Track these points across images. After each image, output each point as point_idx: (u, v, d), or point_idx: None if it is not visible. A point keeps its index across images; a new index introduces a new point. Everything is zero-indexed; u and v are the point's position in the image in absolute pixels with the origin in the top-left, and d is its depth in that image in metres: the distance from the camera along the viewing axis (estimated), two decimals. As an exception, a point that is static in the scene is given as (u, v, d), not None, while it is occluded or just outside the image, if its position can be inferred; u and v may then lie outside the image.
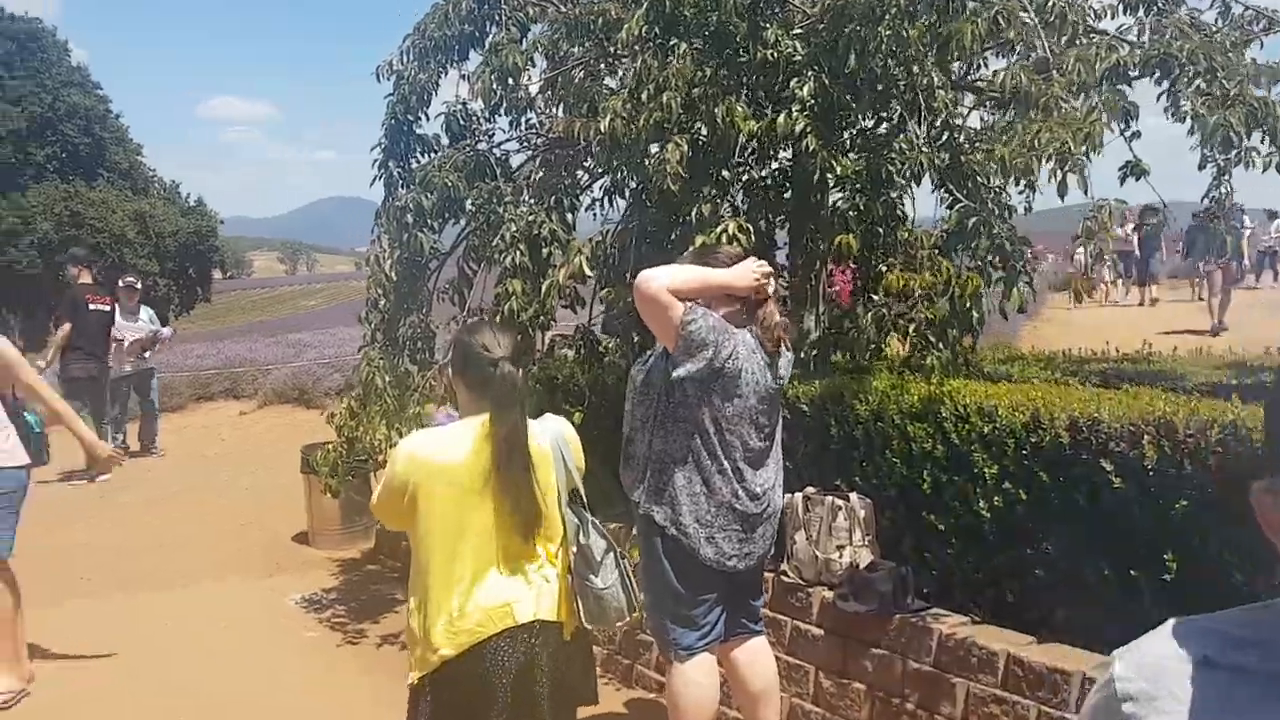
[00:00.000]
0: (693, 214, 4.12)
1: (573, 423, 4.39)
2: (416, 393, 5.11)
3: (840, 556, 3.76)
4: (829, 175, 4.31)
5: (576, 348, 5.99)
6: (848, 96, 4.27)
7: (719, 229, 4.00)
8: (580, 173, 5.48)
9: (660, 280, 2.79)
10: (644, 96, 4.03)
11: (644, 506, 2.97)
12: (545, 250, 4.79)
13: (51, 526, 6.62)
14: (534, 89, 5.29)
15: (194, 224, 38.20)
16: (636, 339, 4.59)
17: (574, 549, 2.49)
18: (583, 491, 2.58)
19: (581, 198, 5.33)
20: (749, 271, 2.98)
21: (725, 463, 2.92)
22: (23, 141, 33.39)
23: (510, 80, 4.84)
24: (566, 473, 2.52)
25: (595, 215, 5.52)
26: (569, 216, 5.09)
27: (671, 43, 4.15)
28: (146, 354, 9.72)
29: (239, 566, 6.30)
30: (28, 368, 4.35)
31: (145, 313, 9.76)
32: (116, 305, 9.05)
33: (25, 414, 4.35)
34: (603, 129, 4.09)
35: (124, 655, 4.77)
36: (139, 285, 9.91)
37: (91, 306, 8.70)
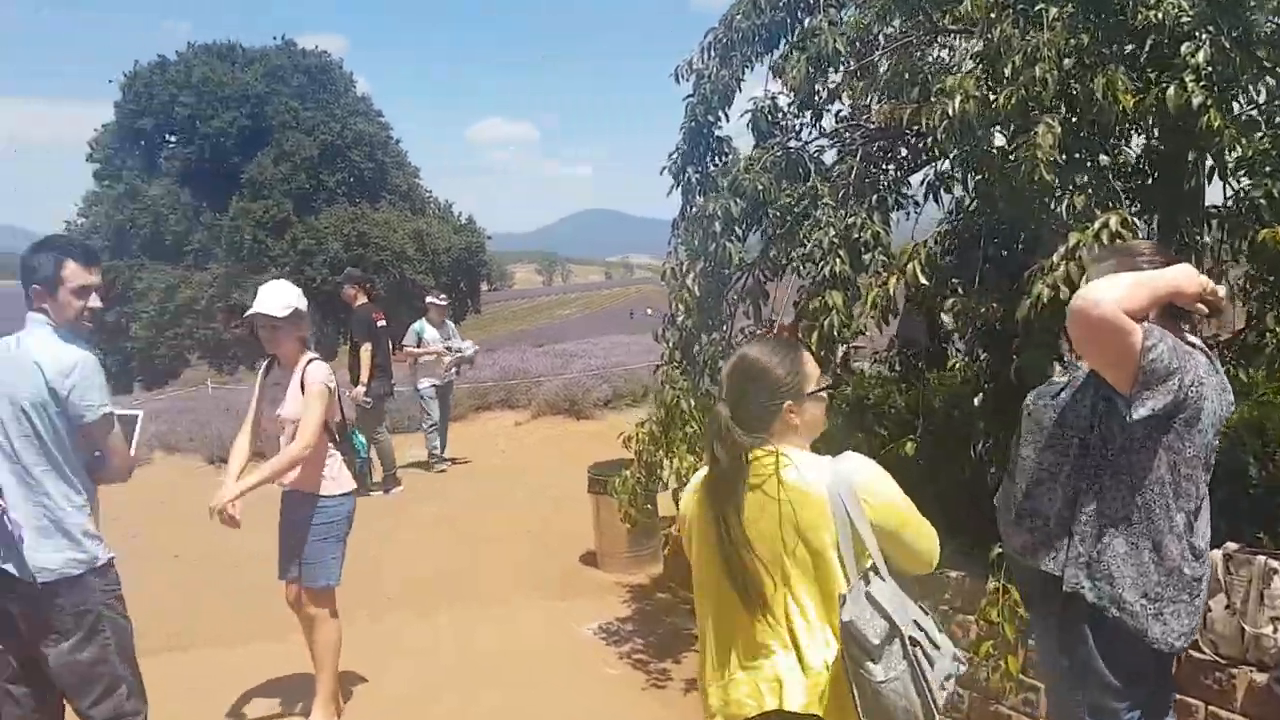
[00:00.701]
0: (1063, 207, 3.44)
1: (904, 454, 3.72)
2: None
3: (1275, 631, 2.99)
4: (1226, 157, 3.53)
5: (890, 363, 5.41)
6: (1249, 62, 3.46)
7: (1097, 225, 3.30)
8: (891, 167, 4.92)
9: (1110, 299, 2.14)
10: (1007, 71, 3.40)
11: (1068, 582, 2.36)
12: (867, 256, 4.26)
13: (351, 541, 6.77)
14: (836, 78, 4.79)
15: (465, 240, 40.46)
16: (984, 356, 3.97)
17: (842, 623, 2.01)
18: (880, 560, 2.06)
19: (906, 196, 4.78)
20: (1194, 274, 2.31)
21: (1178, 518, 2.28)
22: (315, 168, 36.45)
23: (829, 68, 4.36)
24: (853, 531, 2.03)
25: (909, 215, 4.95)
26: (891, 217, 4.55)
27: (1037, 8, 3.50)
28: (456, 371, 10.09)
29: (530, 588, 6.16)
30: (319, 406, 4.06)
31: (450, 327, 10.17)
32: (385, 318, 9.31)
33: (352, 438, 4.31)
34: (951, 112, 3.49)
35: (423, 679, 4.67)
36: (443, 301, 10.30)
37: (380, 324, 9.03)
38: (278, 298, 3.98)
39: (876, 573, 2.06)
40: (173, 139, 37.52)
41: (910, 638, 2.01)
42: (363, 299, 9.16)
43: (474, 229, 42.33)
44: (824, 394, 2.23)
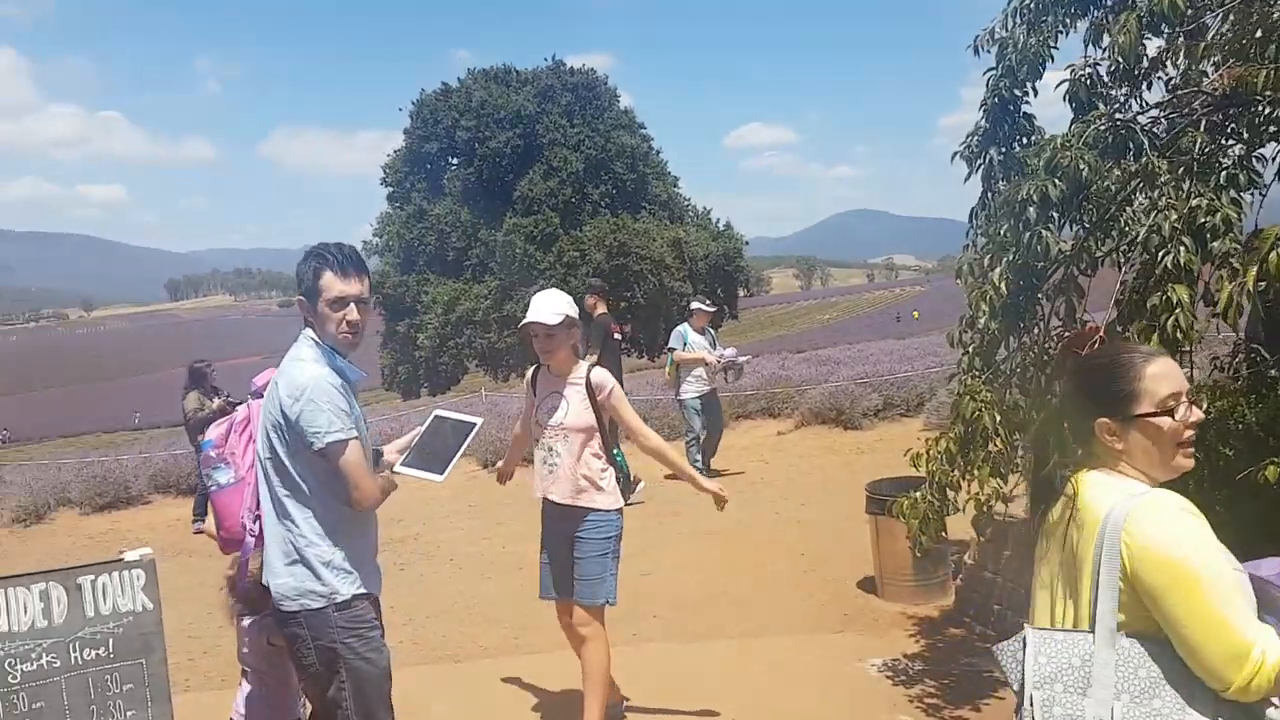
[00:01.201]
0: None
1: (1264, 479, 3.12)
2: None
3: None
4: None
5: (1233, 370, 4.55)
6: None
7: None
8: (1236, 142, 4.08)
9: None
10: None
11: None
12: (1216, 243, 3.51)
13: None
14: (1160, 42, 4.06)
15: (722, 246, 40.54)
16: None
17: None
18: (1109, 615, 1.69)
19: (1258, 173, 3.94)
20: None
21: None
22: (581, 182, 37.74)
23: (1161, 28, 3.66)
24: (1114, 584, 1.68)
25: (1259, 195, 4.10)
26: (1242, 198, 3.75)
27: None
28: (724, 377, 9.87)
29: (804, 616, 5.71)
30: (627, 404, 4.09)
31: (711, 334, 9.94)
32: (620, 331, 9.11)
33: (614, 452, 4.12)
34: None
35: (692, 709, 4.33)
36: (710, 307, 10.08)
37: (615, 336, 8.87)
38: (551, 306, 3.92)
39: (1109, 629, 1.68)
40: (454, 161, 40.08)
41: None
42: (602, 309, 9.03)
43: (732, 235, 42.34)
44: (1163, 419, 1.78)
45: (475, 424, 3.10)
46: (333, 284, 2.74)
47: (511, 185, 37.70)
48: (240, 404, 10.08)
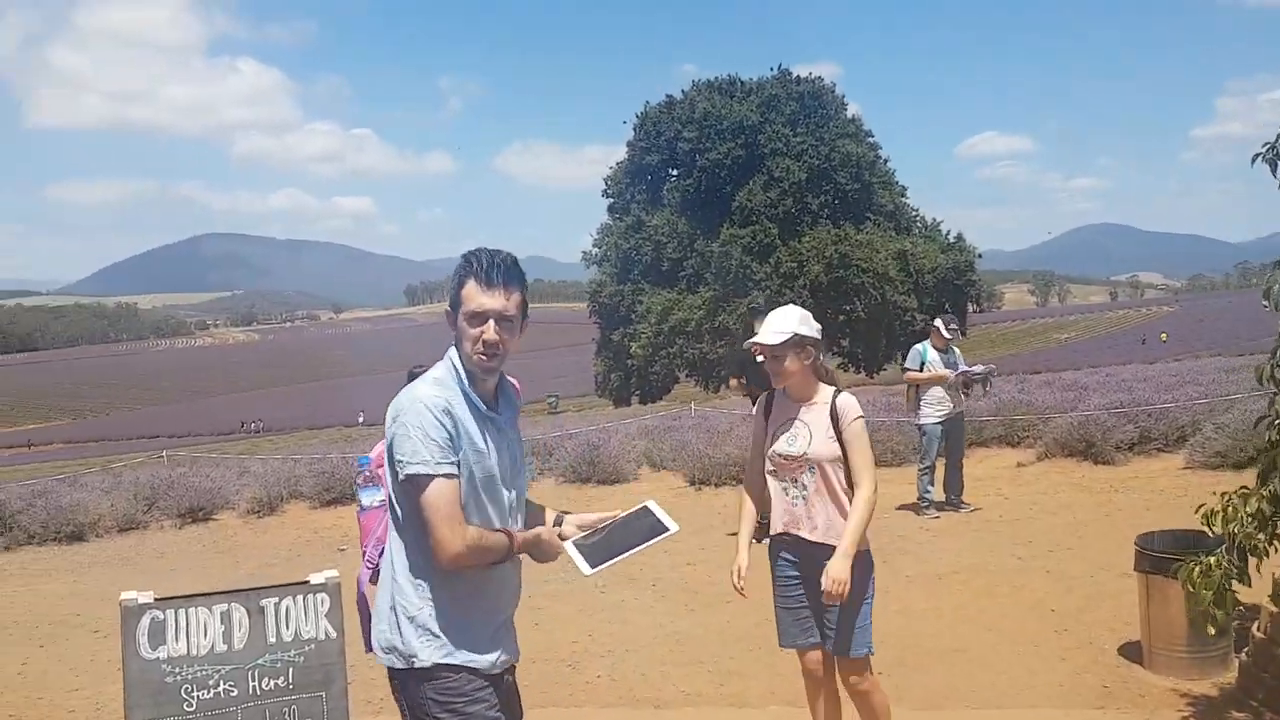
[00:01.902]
0: None
1: None
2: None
3: None
4: None
5: None
6: None
7: None
8: None
9: None
10: None
11: None
12: None
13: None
14: None
15: (952, 260, 38.57)
16: None
17: None
18: None
19: None
20: None
21: None
22: (802, 192, 36.91)
23: None
24: None
25: None
26: None
27: None
28: (965, 392, 9.03)
29: (1057, 686, 4.89)
30: (867, 443, 3.59)
31: (956, 354, 9.04)
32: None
33: None
34: None
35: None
36: (949, 332, 9.04)
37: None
38: (774, 323, 3.57)
39: None
40: (674, 172, 40.23)
41: None
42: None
43: (963, 247, 40.27)
44: None
45: (670, 530, 2.60)
46: (473, 295, 2.33)
47: (730, 196, 37.39)
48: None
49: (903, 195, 41.05)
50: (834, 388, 3.60)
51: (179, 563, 9.36)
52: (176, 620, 3.06)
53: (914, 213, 41.57)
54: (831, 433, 3.50)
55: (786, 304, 3.98)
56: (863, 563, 3.52)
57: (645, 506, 2.67)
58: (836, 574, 3.34)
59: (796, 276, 35.06)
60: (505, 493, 2.41)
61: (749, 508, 3.80)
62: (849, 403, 3.54)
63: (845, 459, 3.49)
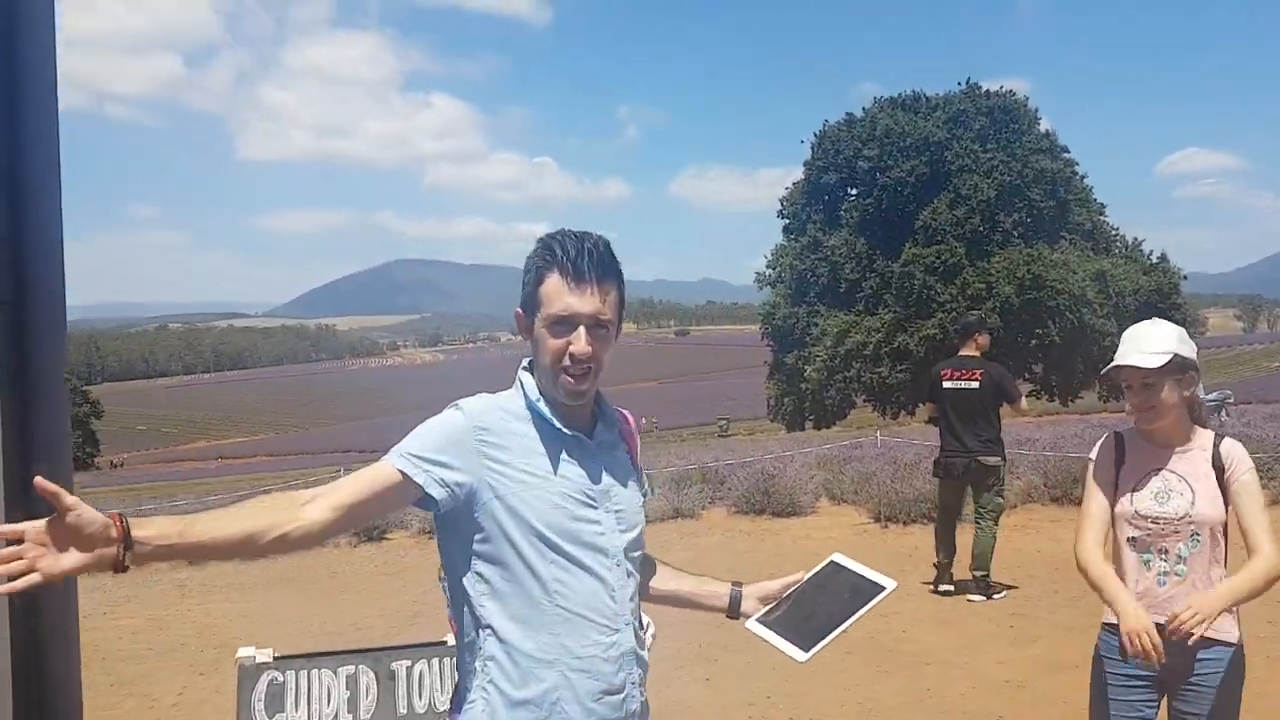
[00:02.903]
0: None
1: None
2: None
3: None
4: None
5: None
6: None
7: None
8: None
9: None
10: None
11: None
12: None
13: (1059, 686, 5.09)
14: None
15: (1155, 281, 35.90)
16: None
17: None
18: None
19: None
20: None
21: None
22: (991, 210, 35.07)
23: None
24: None
25: None
26: None
27: None
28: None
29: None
30: (1259, 497, 2.70)
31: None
32: (985, 381, 7.03)
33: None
34: None
35: None
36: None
37: (947, 384, 7.12)
38: (1152, 341, 2.67)
39: None
40: (853, 191, 39.14)
41: None
42: (970, 350, 7.29)
43: (1166, 268, 37.40)
44: None
45: (886, 588, 1.94)
46: (557, 293, 1.70)
47: (913, 214, 35.97)
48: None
49: (1101, 213, 38.51)
50: (1208, 430, 2.77)
51: (350, 583, 9.29)
52: (297, 683, 2.65)
53: (1113, 232, 38.95)
54: (1217, 489, 2.67)
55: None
56: (1234, 658, 2.64)
57: (833, 562, 2.03)
58: (1202, 605, 2.47)
59: (985, 298, 33.28)
60: (595, 514, 1.73)
61: (1104, 564, 2.74)
62: (1237, 449, 2.70)
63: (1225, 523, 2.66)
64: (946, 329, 30.48)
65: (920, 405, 7.01)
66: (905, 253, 35.01)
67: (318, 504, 1.55)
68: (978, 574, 7.03)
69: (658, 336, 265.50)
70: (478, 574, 1.67)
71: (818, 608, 1.93)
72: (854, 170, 37.87)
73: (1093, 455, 2.83)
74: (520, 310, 1.78)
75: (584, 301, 1.69)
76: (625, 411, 1.94)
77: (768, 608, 1.96)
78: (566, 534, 1.67)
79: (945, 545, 7.23)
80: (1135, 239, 39.32)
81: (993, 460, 7.01)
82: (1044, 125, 38.24)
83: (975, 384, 7.02)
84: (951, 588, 7.13)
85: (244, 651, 2.68)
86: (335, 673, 2.70)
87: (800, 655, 1.86)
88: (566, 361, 1.69)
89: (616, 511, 1.77)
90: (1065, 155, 37.47)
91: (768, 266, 40.44)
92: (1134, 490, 2.71)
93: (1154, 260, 37.64)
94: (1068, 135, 62.04)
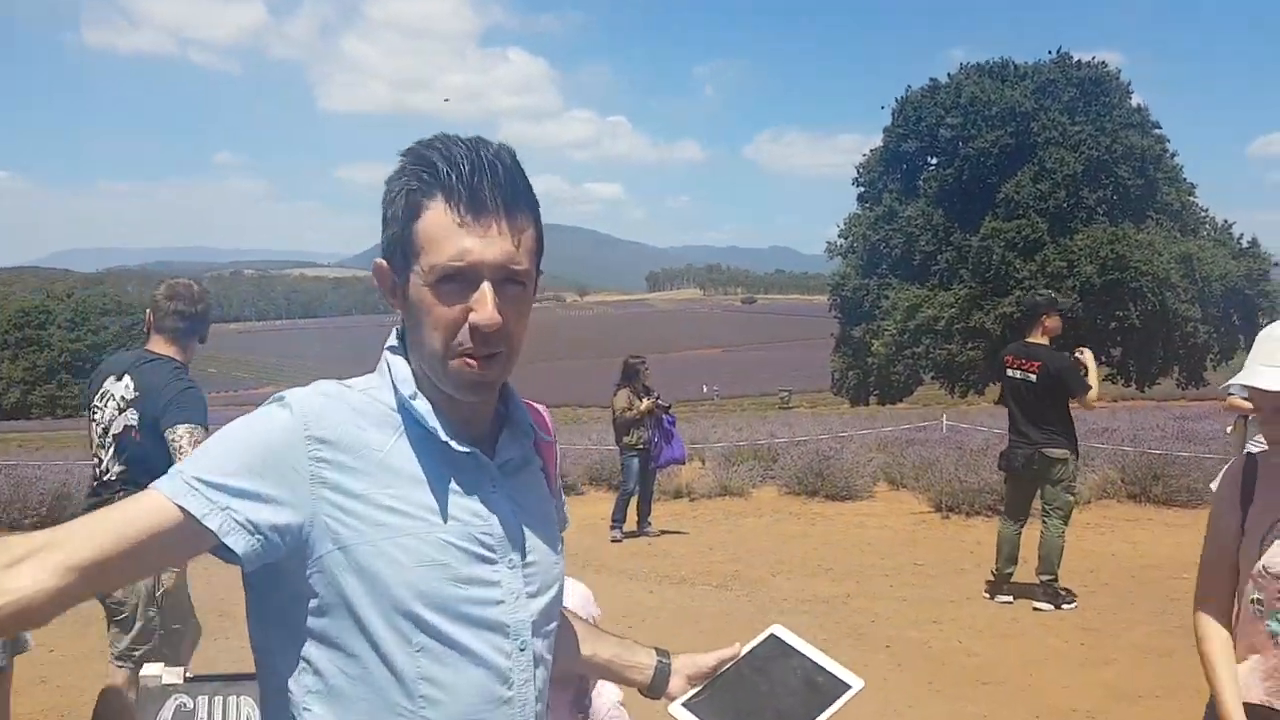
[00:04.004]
0: None
1: None
2: None
3: None
4: None
5: None
6: None
7: None
8: None
9: None
10: None
11: None
12: None
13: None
14: None
15: (1244, 267, 34.13)
16: None
17: None
18: None
19: None
20: None
21: None
22: (1076, 185, 33.63)
23: None
24: None
25: None
26: None
27: None
28: None
29: None
30: None
31: None
32: (1042, 374, 6.26)
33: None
34: None
35: None
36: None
37: (1009, 372, 6.38)
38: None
39: None
40: (933, 161, 37.90)
41: None
42: (1036, 338, 6.51)
43: (1257, 253, 35.55)
44: None
45: (853, 687, 1.37)
46: (445, 232, 1.08)
47: (995, 187, 34.65)
48: (669, 406, 9.03)
49: (1190, 194, 36.71)
50: None
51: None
52: (210, 711, 2.19)
53: (1202, 213, 37.12)
54: None
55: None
56: None
57: (774, 637, 1.46)
58: None
59: (1065, 276, 32.00)
60: (492, 572, 1.13)
61: (1220, 639, 2.10)
62: None
63: None
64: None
65: (992, 384, 6.31)
66: (984, 226, 33.77)
67: (34, 564, 0.95)
68: (1044, 578, 6.38)
69: (724, 304, 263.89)
70: (305, 662, 1.07)
71: (761, 700, 1.38)
72: (935, 139, 36.63)
73: (1214, 485, 2.19)
74: (383, 260, 1.15)
75: (488, 244, 1.08)
76: (538, 406, 1.33)
77: (696, 688, 1.40)
78: (445, 606, 1.08)
79: (1006, 551, 6.55)
80: (1225, 221, 37.45)
81: (1059, 452, 6.30)
82: (1135, 100, 36.53)
83: (1033, 377, 6.29)
84: (1010, 599, 6.49)
85: (149, 670, 2.23)
86: (255, 702, 2.24)
87: None
88: (463, 338, 1.09)
89: (525, 566, 1.16)
90: (1156, 131, 35.75)
91: (840, 235, 39.48)
92: (1263, 539, 2.03)
93: (1244, 244, 35.81)
94: (1159, 112, 59.32)
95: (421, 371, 1.14)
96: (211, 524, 1.00)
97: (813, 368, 73.29)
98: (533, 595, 1.16)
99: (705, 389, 71.75)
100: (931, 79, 38.64)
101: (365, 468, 1.08)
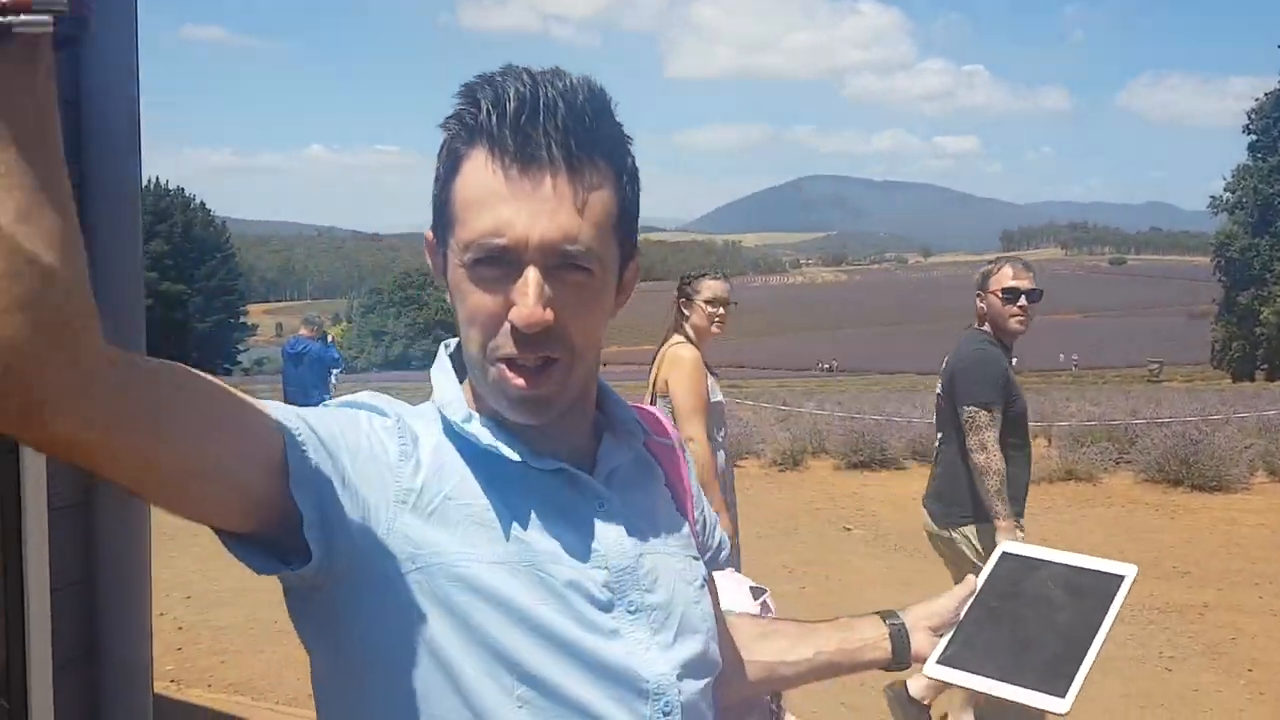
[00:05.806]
0: None
1: None
2: None
3: None
4: None
5: None
6: None
7: None
8: None
9: None
10: None
11: None
12: None
13: None
14: None
15: None
16: None
17: None
18: None
19: None
20: None
21: None
22: None
23: None
24: None
25: None
26: None
27: None
28: None
29: None
30: None
31: None
32: None
33: None
34: None
35: None
36: None
37: None
38: None
39: None
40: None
41: None
42: None
43: None
44: None
45: (1126, 575, 1.04)
46: (482, 194, 0.81)
47: None
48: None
49: None
50: None
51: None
52: None
53: None
54: None
55: None
56: None
57: (1005, 553, 1.16)
58: None
59: None
60: (608, 619, 0.86)
61: None
62: None
63: None
64: None
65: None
66: None
67: (129, 357, 0.64)
68: None
69: (1088, 264, 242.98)
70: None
71: (1029, 627, 1.10)
72: None
73: None
74: (430, 232, 0.91)
75: (536, 214, 0.80)
76: (655, 410, 1.07)
77: (944, 640, 1.12)
78: (554, 655, 0.83)
79: None
80: None
81: None
82: None
83: None
84: None
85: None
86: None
87: (1058, 705, 1.07)
88: (502, 339, 0.83)
89: (650, 609, 0.89)
90: None
91: (1226, 190, 34.92)
92: None
93: None
94: None
95: (476, 386, 0.91)
96: (294, 460, 0.75)
97: (1190, 337, 66.17)
98: (667, 645, 0.89)
99: (1062, 358, 66.88)
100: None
101: (454, 491, 0.86)
